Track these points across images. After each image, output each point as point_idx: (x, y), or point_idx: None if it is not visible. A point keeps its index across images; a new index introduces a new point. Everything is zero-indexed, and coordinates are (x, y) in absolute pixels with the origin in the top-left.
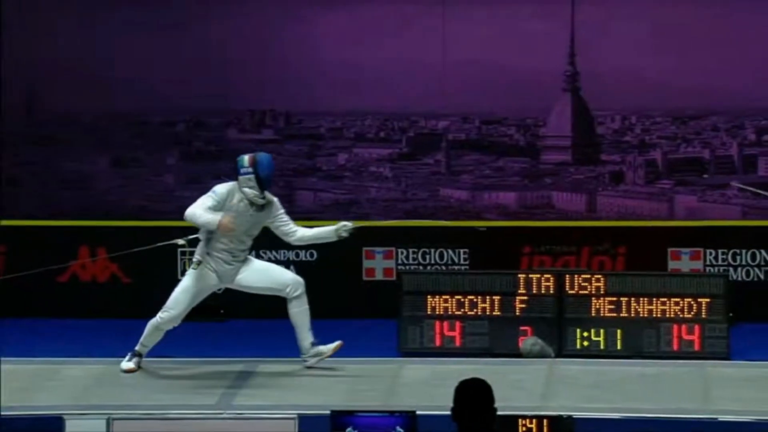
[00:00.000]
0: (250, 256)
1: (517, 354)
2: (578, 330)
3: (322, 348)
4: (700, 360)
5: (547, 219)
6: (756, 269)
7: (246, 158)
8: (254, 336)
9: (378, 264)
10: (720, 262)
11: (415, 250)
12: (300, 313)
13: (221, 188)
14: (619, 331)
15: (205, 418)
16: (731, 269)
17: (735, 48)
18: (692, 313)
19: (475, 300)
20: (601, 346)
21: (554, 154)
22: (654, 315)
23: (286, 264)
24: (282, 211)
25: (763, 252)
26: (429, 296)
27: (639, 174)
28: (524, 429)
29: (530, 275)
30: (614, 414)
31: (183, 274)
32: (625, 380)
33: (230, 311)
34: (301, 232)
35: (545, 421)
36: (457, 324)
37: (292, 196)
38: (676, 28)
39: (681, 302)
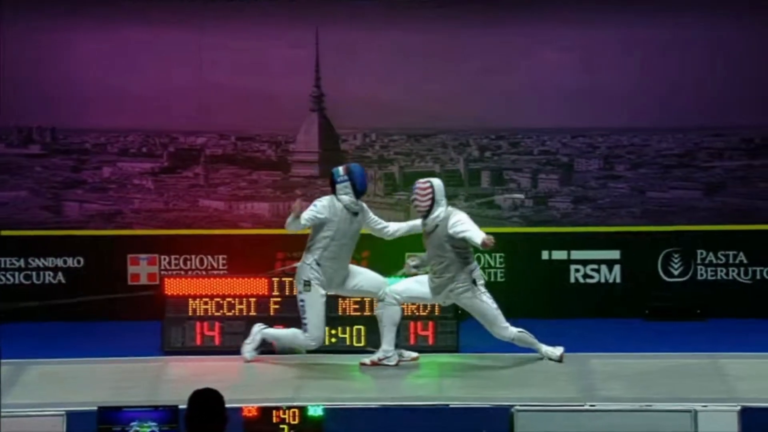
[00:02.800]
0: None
1: (272, 351)
2: (328, 328)
3: (405, 352)
4: (433, 353)
5: None
6: (484, 271)
7: (341, 169)
8: (24, 338)
9: (142, 270)
10: None
11: (177, 256)
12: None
13: (321, 201)
14: (363, 328)
15: None
16: None
17: (460, 74)
18: (427, 311)
19: (232, 302)
20: (348, 342)
21: (303, 168)
22: None
23: (54, 270)
24: (371, 213)
25: (488, 255)
26: (190, 299)
27: (379, 186)
28: (278, 420)
29: (283, 279)
30: (361, 403)
31: None
32: (370, 372)
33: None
34: (393, 227)
35: (297, 411)
36: (217, 324)
37: (59, 207)
38: (409, 55)
39: None
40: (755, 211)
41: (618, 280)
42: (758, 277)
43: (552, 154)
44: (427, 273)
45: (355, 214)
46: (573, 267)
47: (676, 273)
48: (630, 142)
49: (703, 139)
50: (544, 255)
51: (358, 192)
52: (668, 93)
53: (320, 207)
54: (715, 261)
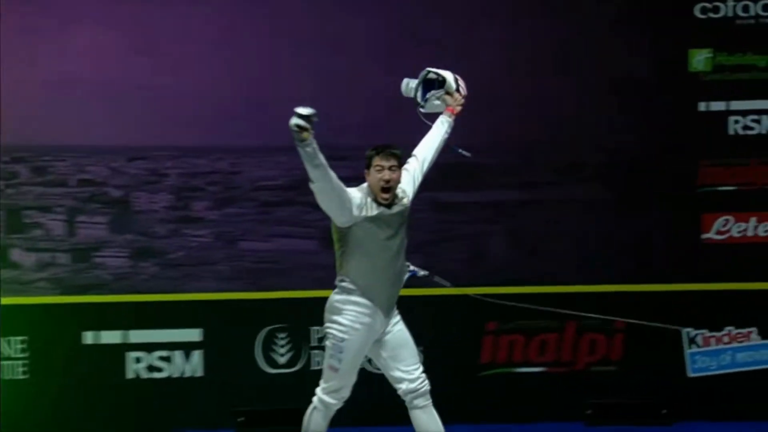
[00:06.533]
0: None
1: None
2: None
3: None
4: None
5: None
6: None
7: None
8: None
9: None
10: None
11: None
12: None
13: None
14: None
15: None
16: None
17: None
18: None
19: None
20: None
21: None
22: None
23: None
24: None
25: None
26: None
27: None
28: None
29: None
30: None
31: None
32: None
33: None
34: None
35: None
36: None
37: None
38: None
39: None
40: None
41: (199, 373)
42: None
43: (98, 186)
44: None
45: None
46: (132, 355)
47: (282, 361)
48: (213, 167)
49: None
50: (88, 338)
51: None
52: (273, 97)
53: None
54: None
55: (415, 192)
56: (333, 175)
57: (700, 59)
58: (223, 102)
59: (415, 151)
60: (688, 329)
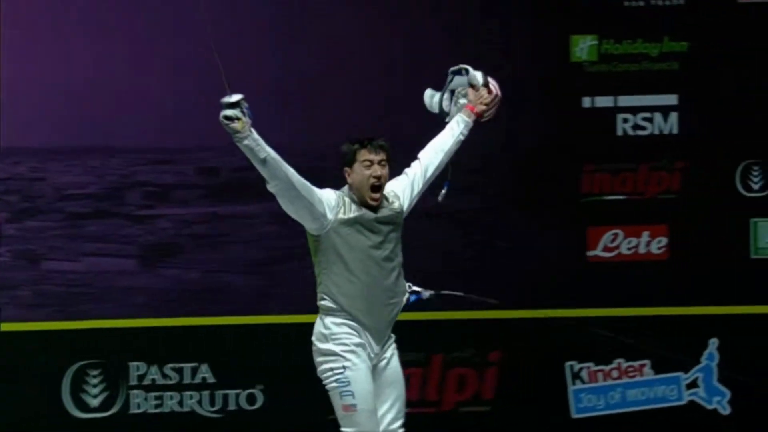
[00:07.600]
0: None
1: None
2: None
3: None
4: None
5: None
6: None
7: None
8: None
9: None
10: None
11: None
12: None
13: None
14: None
15: None
16: None
17: None
18: None
19: None
20: None
21: None
22: None
23: None
24: None
25: None
26: None
27: None
28: None
29: None
30: None
31: None
32: None
33: None
34: None
35: None
36: None
37: None
38: None
39: None
40: (228, 292)
41: None
42: (231, 406)
43: None
44: None
45: None
46: None
47: (94, 404)
48: (10, 172)
49: (139, 168)
50: None
51: None
52: (84, 92)
53: None
54: (161, 380)
55: (412, 201)
56: (291, 170)
57: (583, 47)
58: (22, 96)
59: (420, 154)
60: (572, 362)
